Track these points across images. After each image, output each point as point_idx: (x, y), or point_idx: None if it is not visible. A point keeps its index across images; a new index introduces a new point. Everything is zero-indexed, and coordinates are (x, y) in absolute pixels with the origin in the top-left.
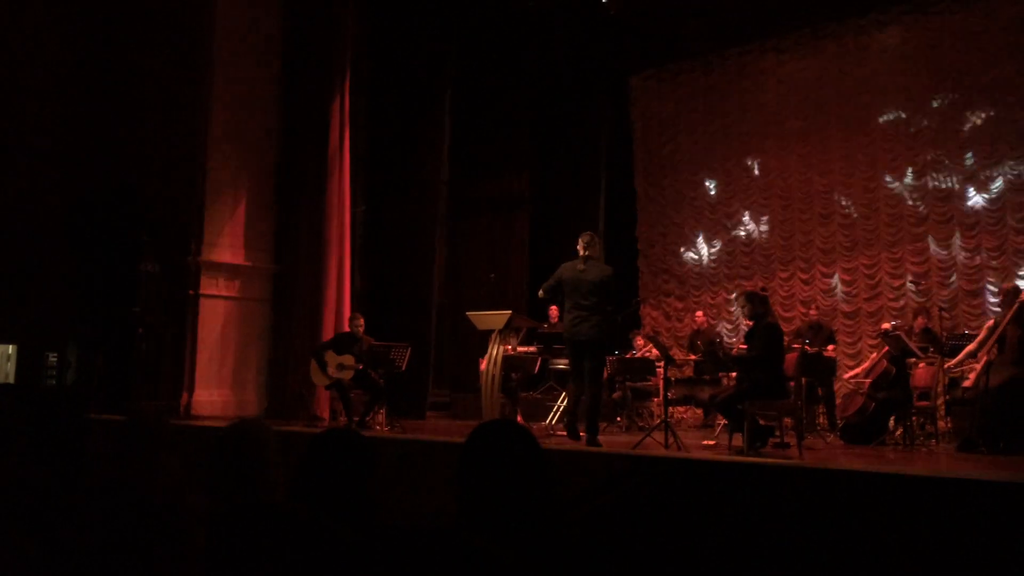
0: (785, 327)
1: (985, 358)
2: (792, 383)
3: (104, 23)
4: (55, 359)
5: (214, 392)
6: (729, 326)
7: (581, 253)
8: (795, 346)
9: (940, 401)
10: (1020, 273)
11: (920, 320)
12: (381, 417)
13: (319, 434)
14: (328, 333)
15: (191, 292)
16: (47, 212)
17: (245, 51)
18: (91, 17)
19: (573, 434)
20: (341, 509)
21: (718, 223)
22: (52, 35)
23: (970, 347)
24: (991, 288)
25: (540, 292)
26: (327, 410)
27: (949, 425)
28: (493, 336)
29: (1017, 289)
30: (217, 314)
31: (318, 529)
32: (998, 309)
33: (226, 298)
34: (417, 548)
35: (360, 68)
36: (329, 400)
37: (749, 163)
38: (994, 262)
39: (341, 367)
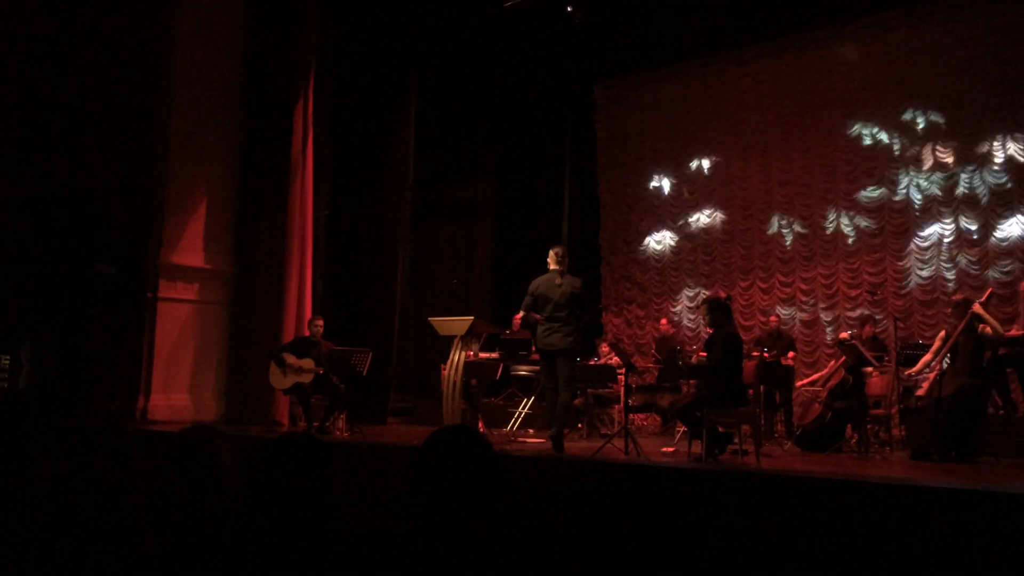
0: (745, 336)
1: (938, 367)
2: (751, 391)
3: (60, 21)
4: (7, 362)
5: (171, 396)
6: (690, 333)
7: (554, 267)
8: (754, 354)
9: (894, 409)
10: (971, 284)
11: (868, 328)
12: (341, 422)
13: (276, 439)
14: (289, 337)
15: (149, 295)
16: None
17: (207, 51)
18: (46, 15)
19: (559, 446)
20: (298, 515)
21: (680, 232)
22: (4, 32)
23: (927, 357)
24: (944, 298)
25: (523, 314)
26: (286, 415)
27: (903, 433)
28: (455, 342)
29: (967, 301)
30: (175, 317)
31: (272, 535)
32: (951, 321)
33: (185, 301)
34: (372, 553)
35: (324, 72)
36: (288, 405)
37: (711, 173)
38: (948, 273)
39: (301, 371)
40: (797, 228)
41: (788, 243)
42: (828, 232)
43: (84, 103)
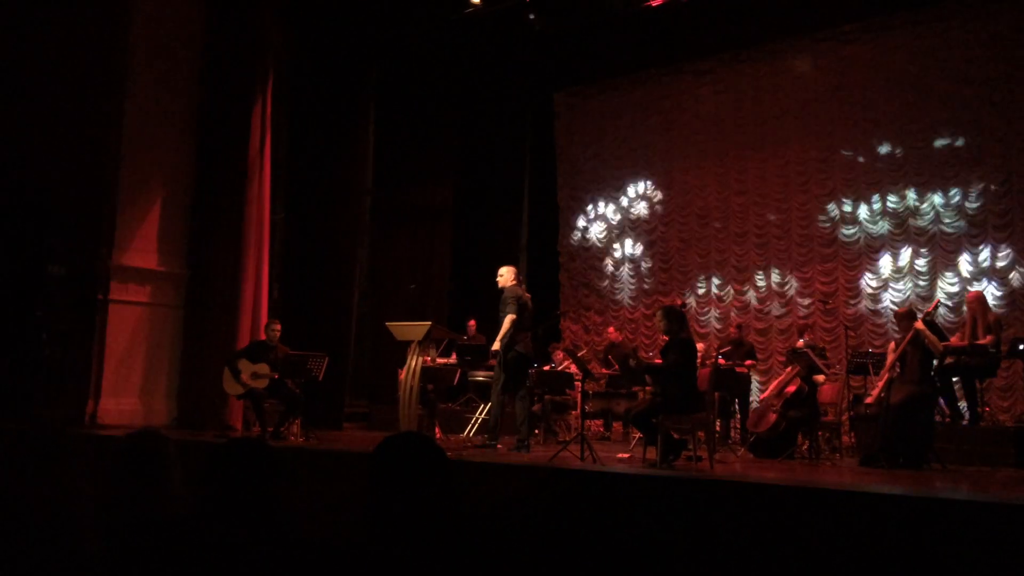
0: (700, 343)
1: (887, 376)
2: (706, 397)
3: (11, 19)
4: None
5: (122, 400)
6: (647, 341)
7: (514, 283)
8: (708, 361)
9: (844, 417)
10: (920, 295)
11: (807, 336)
12: (296, 427)
13: (223, 444)
14: (244, 341)
15: (100, 297)
16: None
17: (163, 49)
18: None
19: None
20: (244, 521)
21: (638, 239)
22: None
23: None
24: (892, 308)
25: (514, 318)
26: (240, 420)
27: (853, 440)
28: (412, 347)
29: (912, 313)
30: (127, 320)
31: (217, 541)
32: (898, 334)
33: (137, 304)
34: (322, 560)
35: (283, 73)
36: (242, 409)
37: (668, 181)
38: (898, 284)
39: (255, 376)
40: (752, 238)
41: (743, 252)
42: (782, 242)
43: (36, 101)
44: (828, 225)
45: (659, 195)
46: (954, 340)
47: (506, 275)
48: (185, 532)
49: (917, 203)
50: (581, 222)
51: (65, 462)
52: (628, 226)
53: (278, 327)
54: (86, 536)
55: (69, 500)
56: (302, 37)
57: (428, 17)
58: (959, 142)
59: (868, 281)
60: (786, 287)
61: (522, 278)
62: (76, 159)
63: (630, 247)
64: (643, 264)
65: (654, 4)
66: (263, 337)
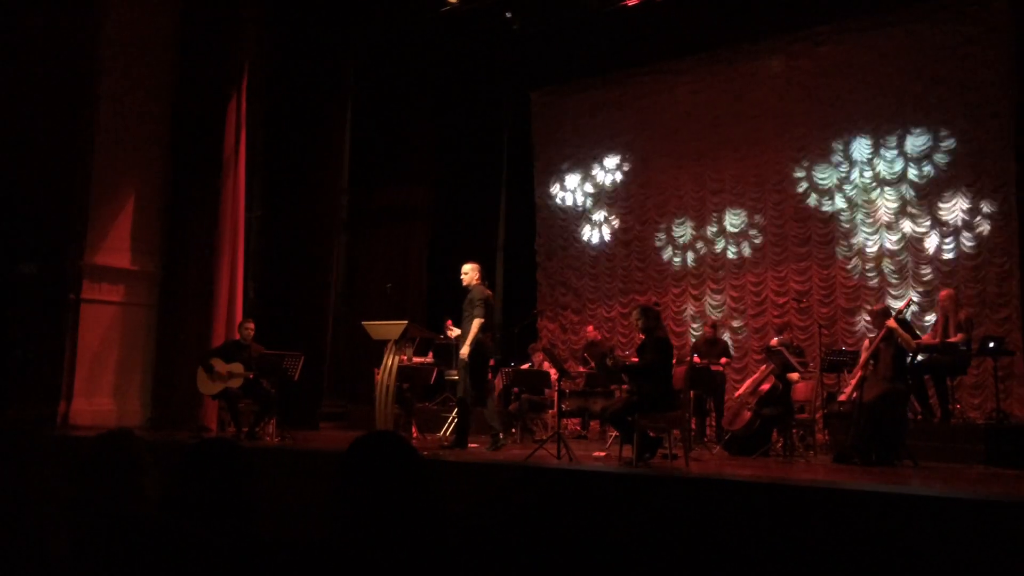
0: (676, 341)
1: (860, 373)
2: (681, 396)
3: None
4: None
5: (95, 401)
6: (623, 339)
7: (479, 281)
8: (686, 359)
9: (818, 414)
10: (892, 293)
11: (786, 335)
12: (272, 428)
13: (194, 445)
14: (219, 341)
15: (72, 296)
16: None
17: (137, 44)
18: None
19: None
20: (215, 521)
21: (615, 237)
22: None
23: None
24: (866, 307)
25: (483, 321)
26: (215, 420)
27: (826, 437)
28: (388, 346)
29: (887, 310)
30: (100, 320)
31: (187, 541)
32: (872, 332)
33: (110, 303)
34: (293, 561)
35: (259, 71)
36: (217, 410)
37: (645, 180)
38: (871, 282)
39: (230, 375)
40: (728, 236)
41: (719, 251)
42: (757, 241)
43: (6, 99)
44: (803, 223)
45: (636, 194)
46: (926, 338)
47: (471, 272)
48: (157, 533)
49: (890, 202)
50: (558, 221)
51: (37, 463)
52: (605, 225)
53: (251, 326)
54: (57, 537)
55: (41, 501)
56: (279, 35)
57: (405, 16)
58: (931, 142)
59: (842, 280)
60: (760, 286)
61: (484, 274)
62: (48, 157)
63: (607, 246)
64: (620, 263)
65: (630, 3)
66: (237, 336)
